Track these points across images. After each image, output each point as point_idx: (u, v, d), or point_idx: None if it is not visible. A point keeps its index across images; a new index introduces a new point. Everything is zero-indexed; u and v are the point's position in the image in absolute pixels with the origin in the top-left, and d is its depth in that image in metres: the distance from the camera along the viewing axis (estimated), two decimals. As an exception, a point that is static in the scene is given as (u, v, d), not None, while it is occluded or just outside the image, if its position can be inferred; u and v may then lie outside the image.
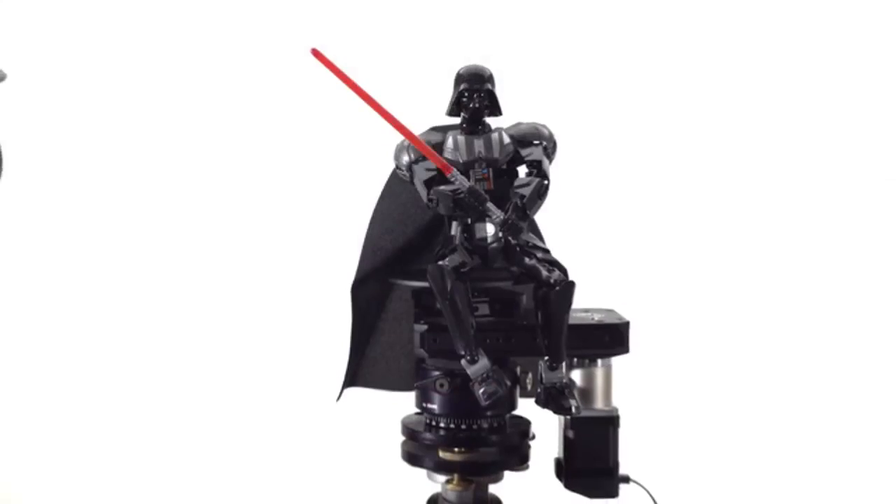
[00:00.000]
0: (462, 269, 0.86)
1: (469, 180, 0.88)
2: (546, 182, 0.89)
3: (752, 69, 1.50)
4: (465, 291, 0.86)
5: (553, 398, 0.90)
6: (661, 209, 1.44)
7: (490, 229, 0.88)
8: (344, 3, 1.47)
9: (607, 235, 1.35)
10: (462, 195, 0.87)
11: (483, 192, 0.87)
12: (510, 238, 0.87)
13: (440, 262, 0.86)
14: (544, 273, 0.86)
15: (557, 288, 0.86)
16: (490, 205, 0.87)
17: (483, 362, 0.86)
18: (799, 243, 1.48)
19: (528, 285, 0.90)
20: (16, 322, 1.50)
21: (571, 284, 0.86)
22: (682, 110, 1.48)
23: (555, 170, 0.93)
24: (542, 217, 0.95)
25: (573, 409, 0.90)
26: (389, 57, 1.38)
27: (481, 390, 0.86)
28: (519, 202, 0.87)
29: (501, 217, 0.87)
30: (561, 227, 0.98)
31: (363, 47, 1.36)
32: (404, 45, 1.41)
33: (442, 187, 0.88)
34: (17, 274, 1.48)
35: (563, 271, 0.87)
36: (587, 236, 1.16)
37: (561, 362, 0.89)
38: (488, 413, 0.92)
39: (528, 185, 0.88)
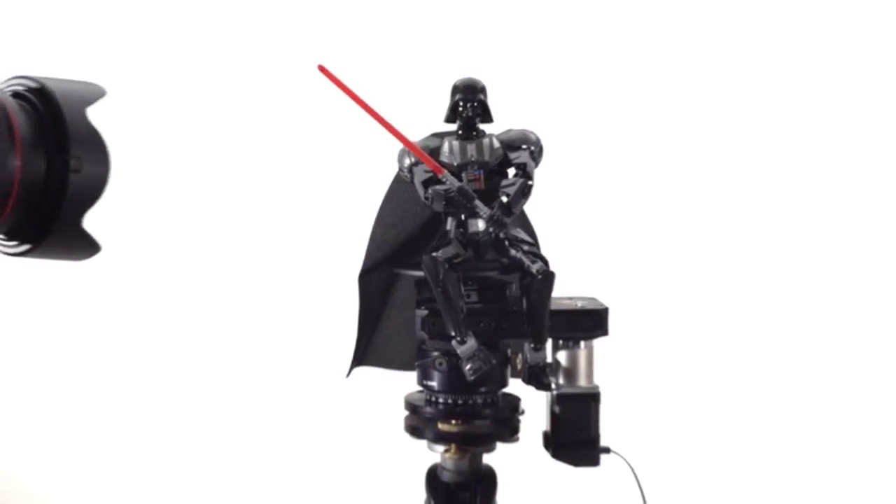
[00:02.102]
0: (455, 260, 0.93)
1: (462, 181, 0.95)
2: (530, 182, 0.96)
3: (728, 68, 1.53)
4: (457, 280, 0.92)
5: (535, 376, 0.97)
6: (640, 209, 1.49)
7: (482, 224, 0.95)
8: (356, 20, 1.52)
9: (591, 232, 1.40)
10: (452, 194, 0.94)
11: (471, 191, 0.94)
12: (497, 231, 0.93)
13: (434, 254, 0.92)
14: (528, 264, 0.93)
15: (539, 277, 0.92)
16: (478, 202, 0.93)
17: (471, 343, 0.93)
18: (776, 235, 1.51)
19: (516, 275, 0.95)
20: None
21: (551, 275, 0.93)
22: (663, 111, 1.52)
23: (545, 171, 0.99)
24: (537, 215, 1.03)
25: (551, 386, 0.98)
26: (398, 71, 1.43)
27: (468, 367, 0.93)
28: (504, 200, 0.94)
29: (488, 213, 0.93)
30: (551, 224, 1.04)
31: (375, 62, 1.41)
32: (411, 60, 1.46)
33: (437, 186, 0.95)
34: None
35: (545, 262, 0.94)
36: (574, 233, 1.22)
37: (543, 344, 0.96)
38: (482, 389, 0.98)
39: (513, 185, 0.95)
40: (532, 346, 0.96)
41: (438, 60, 1.37)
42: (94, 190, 0.61)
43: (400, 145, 0.96)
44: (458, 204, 0.94)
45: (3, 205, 0.58)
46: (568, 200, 1.31)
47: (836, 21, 1.53)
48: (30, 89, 0.62)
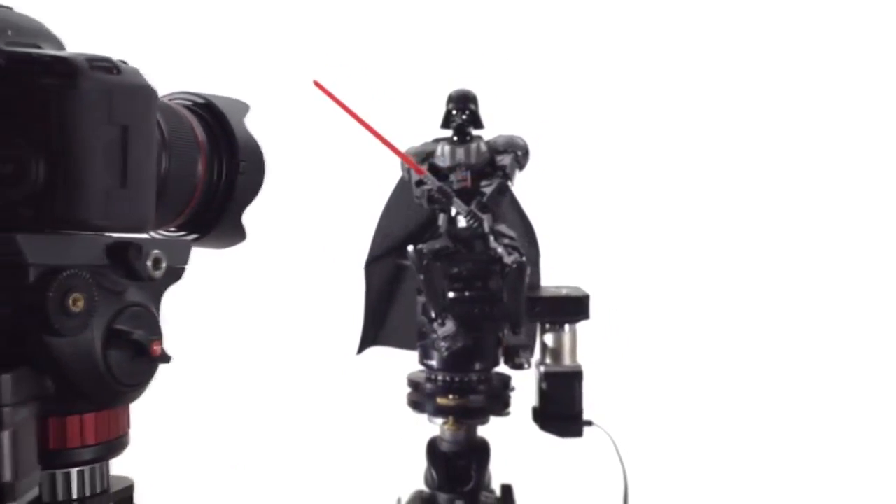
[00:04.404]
0: (443, 253, 1.02)
1: (452, 181, 1.04)
2: (508, 182, 1.05)
3: (706, 67, 1.55)
4: (440, 269, 1.01)
5: (510, 357, 1.06)
6: (622, 208, 1.55)
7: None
8: (363, 35, 1.57)
9: (577, 229, 1.44)
10: (434, 193, 1.03)
11: (449, 191, 1.03)
12: (475, 225, 1.02)
13: (419, 246, 1.02)
14: (504, 255, 1.02)
15: (514, 267, 1.01)
16: (456, 199, 1.02)
17: (449, 325, 1.03)
18: (751, 229, 1.55)
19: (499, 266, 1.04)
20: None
21: (524, 265, 1.02)
22: (651, 114, 1.55)
23: (541, 174, 1.09)
24: (534, 214, 1.12)
25: (524, 366, 1.06)
26: (406, 83, 1.49)
27: (444, 345, 1.03)
28: (482, 198, 1.04)
29: (466, 209, 1.03)
30: (541, 221, 1.13)
31: (384, 74, 1.49)
32: (418, 73, 1.50)
33: (423, 186, 1.04)
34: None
35: (521, 254, 1.02)
36: (561, 230, 1.24)
37: (519, 328, 1.04)
38: (476, 367, 1.07)
39: (491, 184, 1.04)
40: (510, 330, 1.05)
41: (443, 72, 1.38)
42: (253, 189, 0.70)
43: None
44: (438, 201, 1.04)
45: (187, 202, 0.66)
46: (556, 200, 1.37)
47: (834, 21, 1.53)
48: (196, 104, 0.70)
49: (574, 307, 1.09)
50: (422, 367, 1.11)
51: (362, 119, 0.96)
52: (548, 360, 1.11)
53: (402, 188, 1.11)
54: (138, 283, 0.61)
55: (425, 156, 1.07)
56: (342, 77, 1.00)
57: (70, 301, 0.56)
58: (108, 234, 0.60)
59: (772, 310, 1.54)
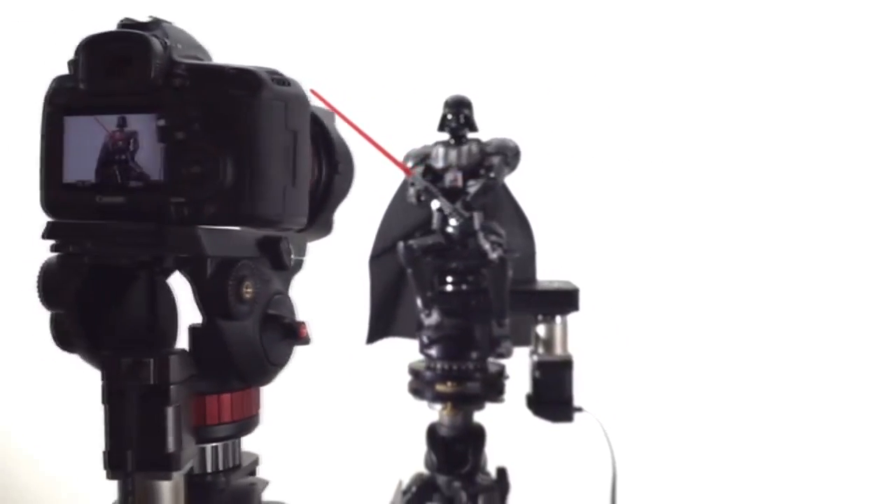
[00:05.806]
0: (434, 248, 1.07)
1: (445, 182, 1.10)
2: (491, 182, 1.09)
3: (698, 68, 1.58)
4: (428, 264, 1.06)
5: (493, 347, 1.11)
6: (614, 206, 1.59)
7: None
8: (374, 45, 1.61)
9: (571, 227, 1.50)
10: (421, 193, 1.08)
11: (435, 191, 1.08)
12: (460, 222, 1.07)
13: (408, 242, 1.07)
14: (489, 252, 1.06)
15: (497, 262, 1.06)
16: (441, 198, 1.07)
17: (435, 317, 1.08)
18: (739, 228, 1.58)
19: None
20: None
21: (505, 261, 1.07)
22: (644, 117, 1.58)
23: (538, 176, 1.14)
24: (532, 212, 1.17)
25: (505, 356, 1.11)
26: (407, 88, 1.55)
27: (428, 334, 1.09)
28: (466, 197, 1.09)
29: (450, 207, 1.07)
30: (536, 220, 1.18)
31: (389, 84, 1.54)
32: (420, 79, 1.54)
33: (414, 186, 1.09)
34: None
35: (505, 250, 1.07)
36: (557, 227, 1.29)
37: (503, 320, 1.09)
38: (473, 356, 1.12)
39: (476, 184, 1.09)
40: (496, 321, 1.10)
41: (442, 77, 1.48)
42: (347, 188, 0.74)
43: (403, 152, 1.11)
44: (426, 201, 1.09)
45: None
46: (553, 199, 1.43)
47: (831, 21, 1.54)
48: None
49: (565, 300, 1.14)
50: (422, 357, 1.15)
51: (359, 128, 0.95)
52: (540, 350, 1.16)
53: (404, 190, 1.15)
54: (278, 272, 0.67)
55: (424, 157, 1.12)
56: (342, 83, 1.01)
57: (244, 288, 0.62)
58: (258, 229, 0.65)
59: (756, 302, 1.57)
